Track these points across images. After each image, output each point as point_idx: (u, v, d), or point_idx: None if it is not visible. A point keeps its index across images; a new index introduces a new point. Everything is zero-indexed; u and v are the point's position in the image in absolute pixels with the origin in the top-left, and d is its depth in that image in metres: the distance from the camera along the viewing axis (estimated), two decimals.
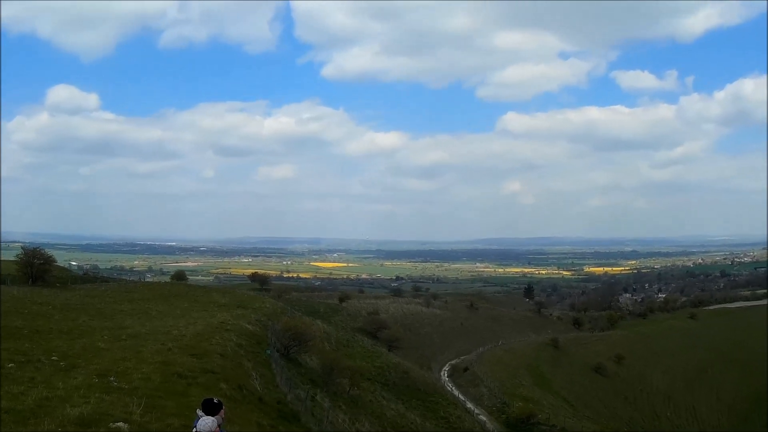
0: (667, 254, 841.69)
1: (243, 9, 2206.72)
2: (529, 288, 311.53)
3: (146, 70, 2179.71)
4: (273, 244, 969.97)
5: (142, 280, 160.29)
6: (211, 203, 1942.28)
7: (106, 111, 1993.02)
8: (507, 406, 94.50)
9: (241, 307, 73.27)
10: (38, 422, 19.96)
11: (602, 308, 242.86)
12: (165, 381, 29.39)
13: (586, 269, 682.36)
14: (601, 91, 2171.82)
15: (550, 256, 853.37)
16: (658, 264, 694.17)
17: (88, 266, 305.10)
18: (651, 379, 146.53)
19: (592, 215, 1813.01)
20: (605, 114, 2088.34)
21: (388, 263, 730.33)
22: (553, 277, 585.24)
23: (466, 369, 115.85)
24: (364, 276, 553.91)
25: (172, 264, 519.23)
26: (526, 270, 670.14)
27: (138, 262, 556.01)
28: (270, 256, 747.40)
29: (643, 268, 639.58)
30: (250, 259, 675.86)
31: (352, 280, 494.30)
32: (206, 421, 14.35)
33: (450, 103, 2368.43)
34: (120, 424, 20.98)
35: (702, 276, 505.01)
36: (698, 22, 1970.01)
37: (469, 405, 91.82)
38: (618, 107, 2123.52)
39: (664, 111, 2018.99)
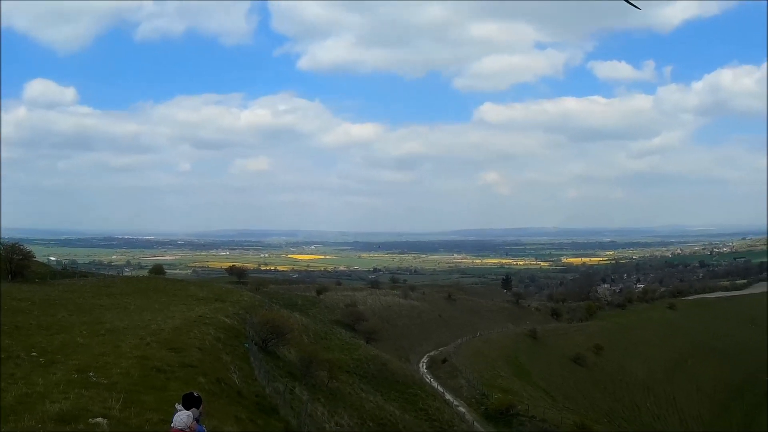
0: (645, 245, 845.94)
1: (219, 1, 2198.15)
2: (507, 279, 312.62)
3: (123, 64, 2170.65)
4: (250, 236, 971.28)
5: (121, 275, 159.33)
6: (188, 196, 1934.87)
7: (83, 105, 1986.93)
8: (486, 398, 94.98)
9: (219, 300, 73.21)
10: (18, 418, 19.94)
11: (580, 299, 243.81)
12: (144, 375, 29.40)
13: (564, 260, 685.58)
14: (578, 81, 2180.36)
15: (527, 247, 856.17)
16: (636, 254, 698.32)
17: (67, 261, 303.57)
18: (630, 369, 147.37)
19: (570, 206, 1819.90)
20: (582, 104, 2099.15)
21: (365, 255, 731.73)
22: (530, 268, 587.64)
23: (444, 360, 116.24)
24: (341, 268, 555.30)
25: (150, 258, 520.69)
26: (503, 261, 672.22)
27: (116, 257, 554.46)
28: (247, 249, 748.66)
29: (621, 259, 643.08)
30: (227, 252, 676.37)
31: (329, 272, 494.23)
32: (182, 416, 14.42)
33: (426, 94, 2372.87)
34: (99, 419, 20.98)
35: (681, 266, 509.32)
36: (676, 12, 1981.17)
37: (448, 396, 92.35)
38: (595, 98, 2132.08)
39: (642, 101, 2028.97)
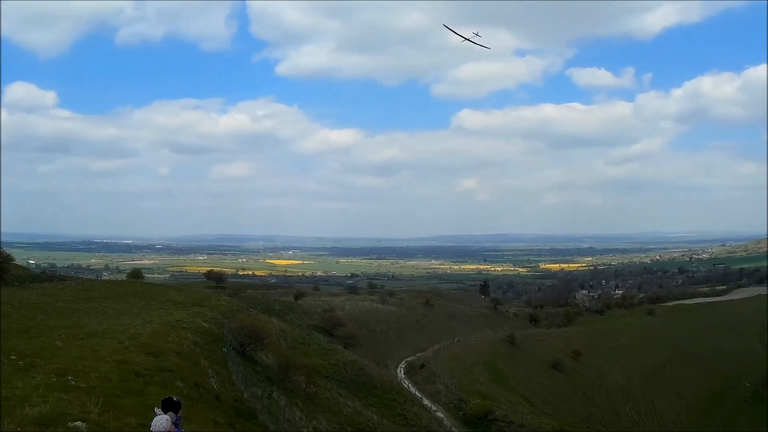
0: (624, 251, 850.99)
1: (199, 6, 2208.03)
2: (484, 285, 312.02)
3: (103, 68, 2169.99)
4: (228, 241, 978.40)
5: (99, 279, 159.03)
6: (166, 201, 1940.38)
7: (63, 109, 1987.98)
8: (464, 403, 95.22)
9: (197, 305, 73.28)
10: None
11: (559, 305, 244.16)
12: (122, 380, 29.66)
13: (542, 266, 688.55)
14: (557, 88, 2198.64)
15: (505, 253, 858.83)
16: (615, 261, 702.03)
17: (46, 265, 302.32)
18: (609, 375, 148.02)
19: (548, 212, 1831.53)
20: (561, 111, 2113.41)
21: (343, 260, 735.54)
22: (508, 274, 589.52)
23: (422, 366, 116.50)
24: (319, 273, 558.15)
25: (129, 262, 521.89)
26: (481, 267, 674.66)
27: (95, 261, 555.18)
28: (225, 254, 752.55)
29: (599, 265, 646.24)
30: (205, 257, 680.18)
31: (307, 277, 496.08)
32: (160, 421, 14.60)
33: (405, 101, 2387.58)
34: (78, 423, 21.22)
35: (660, 272, 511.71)
36: (657, 19, 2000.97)
37: (426, 402, 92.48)
38: (574, 104, 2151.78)
39: (621, 108, 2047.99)
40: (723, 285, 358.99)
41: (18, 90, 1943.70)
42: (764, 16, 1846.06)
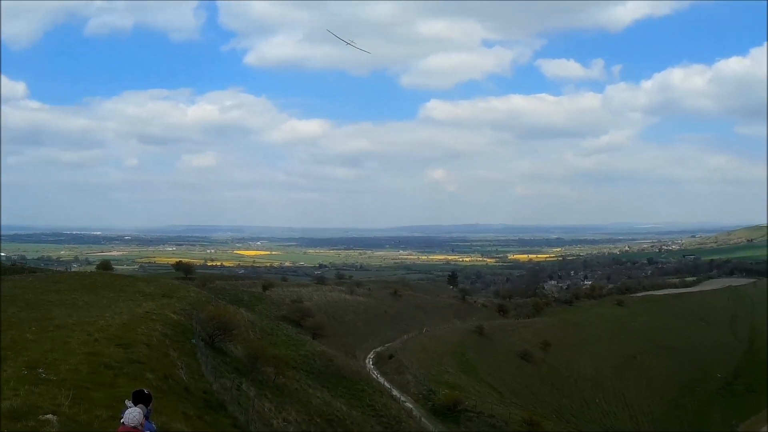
0: (593, 242, 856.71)
1: None
2: (453, 275, 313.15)
3: (72, 59, 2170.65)
4: (197, 232, 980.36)
5: (69, 270, 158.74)
6: (135, 192, 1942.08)
7: (34, 100, 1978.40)
8: (433, 393, 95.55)
9: (166, 296, 72.94)
10: None
11: (527, 295, 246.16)
12: (92, 372, 29.51)
13: (511, 256, 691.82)
14: (526, 79, 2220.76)
15: (474, 244, 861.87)
16: (583, 251, 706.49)
17: (16, 257, 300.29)
18: (579, 365, 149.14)
19: (517, 203, 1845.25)
20: (530, 102, 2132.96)
21: (311, 251, 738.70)
22: (477, 265, 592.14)
23: (391, 356, 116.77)
24: (287, 264, 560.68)
25: (98, 253, 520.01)
26: (449, 257, 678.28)
27: (64, 252, 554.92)
28: (194, 245, 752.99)
29: (568, 256, 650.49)
30: (174, 248, 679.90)
31: (275, 268, 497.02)
32: (133, 413, 14.57)
33: (373, 91, 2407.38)
34: (49, 416, 21.15)
35: (629, 263, 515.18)
36: (627, 11, 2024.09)
37: (395, 392, 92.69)
38: (543, 95, 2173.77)
39: (590, 100, 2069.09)
40: (693, 276, 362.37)
41: None
42: (736, 8, 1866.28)
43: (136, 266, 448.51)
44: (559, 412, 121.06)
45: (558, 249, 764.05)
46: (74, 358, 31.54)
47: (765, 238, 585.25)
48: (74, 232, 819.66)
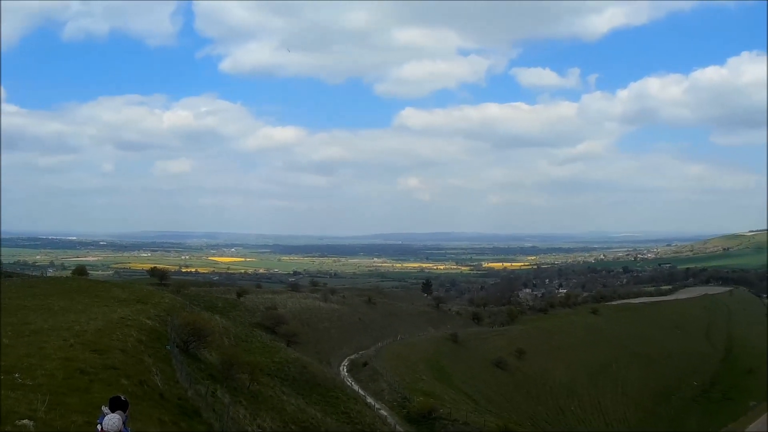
0: (568, 250, 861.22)
1: (145, 3, 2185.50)
2: (427, 283, 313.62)
3: (49, 63, 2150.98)
4: (171, 238, 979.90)
5: (45, 275, 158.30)
6: (111, 197, 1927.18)
7: (10, 104, 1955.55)
8: (408, 401, 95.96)
9: (141, 302, 72.85)
10: None
11: (502, 303, 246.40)
12: (68, 377, 29.63)
13: (485, 264, 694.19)
14: (501, 88, 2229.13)
15: (448, 252, 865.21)
16: (558, 260, 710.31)
17: None
18: (553, 373, 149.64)
19: (491, 212, 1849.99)
20: (505, 111, 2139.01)
21: (285, 258, 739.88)
22: (451, 273, 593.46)
23: (365, 364, 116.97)
24: (261, 271, 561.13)
25: (74, 259, 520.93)
26: (424, 265, 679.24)
27: (40, 257, 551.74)
28: (169, 251, 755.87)
29: (543, 264, 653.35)
30: (149, 254, 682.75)
31: (249, 274, 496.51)
32: (113, 420, 14.75)
33: (348, 99, 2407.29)
34: (26, 421, 21.33)
35: (604, 272, 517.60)
36: (603, 21, 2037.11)
37: (370, 400, 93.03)
38: (518, 104, 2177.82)
39: (566, 109, 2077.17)
40: (668, 285, 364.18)
41: None
42: (713, 18, 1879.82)
43: (111, 272, 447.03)
44: (534, 419, 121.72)
45: (533, 257, 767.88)
46: (50, 364, 31.67)
47: (741, 246, 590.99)
48: (50, 237, 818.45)
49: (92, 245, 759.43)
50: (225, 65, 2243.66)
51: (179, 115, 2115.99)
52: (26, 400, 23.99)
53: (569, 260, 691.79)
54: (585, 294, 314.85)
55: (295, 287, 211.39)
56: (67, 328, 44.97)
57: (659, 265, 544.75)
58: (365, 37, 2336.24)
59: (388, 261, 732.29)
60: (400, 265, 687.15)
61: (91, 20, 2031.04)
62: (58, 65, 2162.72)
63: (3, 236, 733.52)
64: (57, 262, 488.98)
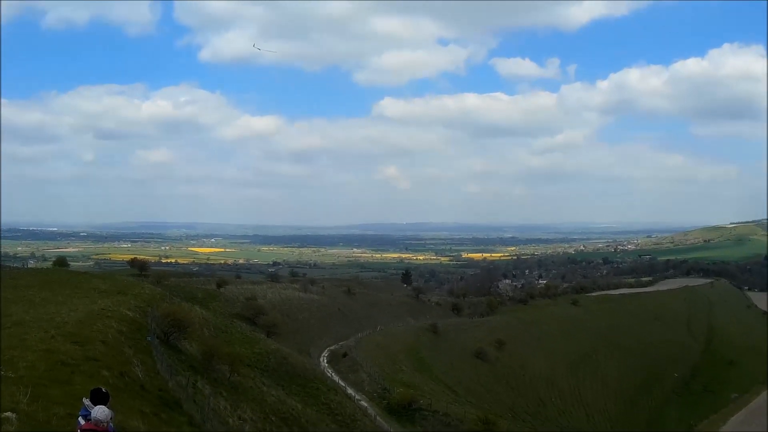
0: (547, 241, 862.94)
1: None
2: (406, 273, 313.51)
3: (28, 52, 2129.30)
4: (151, 228, 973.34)
5: (26, 267, 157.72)
6: (91, 187, 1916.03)
7: None
8: (388, 392, 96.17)
9: (121, 293, 72.63)
10: None
11: (481, 294, 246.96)
12: (49, 369, 29.63)
13: (465, 255, 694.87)
14: (480, 77, 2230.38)
15: (427, 242, 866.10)
16: (538, 250, 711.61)
17: None
18: (533, 364, 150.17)
19: (470, 201, 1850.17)
20: (484, 101, 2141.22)
21: (264, 248, 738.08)
22: (430, 263, 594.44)
23: (345, 355, 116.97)
24: (241, 261, 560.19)
25: (54, 250, 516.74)
26: (403, 255, 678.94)
27: (21, 248, 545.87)
28: (149, 242, 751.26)
29: (522, 255, 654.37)
30: (129, 245, 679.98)
31: (229, 265, 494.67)
32: (103, 410, 14.84)
33: (326, 88, 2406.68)
34: (8, 413, 21.30)
35: (584, 263, 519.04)
36: (583, 11, 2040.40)
37: (350, 391, 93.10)
38: (497, 94, 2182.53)
39: (545, 99, 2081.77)
40: (649, 276, 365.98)
41: None
42: (695, 10, 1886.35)
43: (91, 263, 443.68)
44: (515, 410, 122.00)
45: (512, 248, 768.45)
46: (31, 355, 31.67)
47: (721, 238, 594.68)
48: (30, 228, 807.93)
49: (72, 236, 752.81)
50: (204, 54, 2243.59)
51: (158, 105, 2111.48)
52: (8, 392, 23.94)
53: (549, 251, 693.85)
54: (565, 285, 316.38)
55: (274, 278, 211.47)
56: (48, 320, 44.90)
57: (639, 256, 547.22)
58: (344, 25, 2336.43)
59: (368, 251, 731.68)
60: (379, 255, 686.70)
61: (70, 8, 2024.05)
62: (38, 54, 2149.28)
63: None
64: (38, 253, 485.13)
